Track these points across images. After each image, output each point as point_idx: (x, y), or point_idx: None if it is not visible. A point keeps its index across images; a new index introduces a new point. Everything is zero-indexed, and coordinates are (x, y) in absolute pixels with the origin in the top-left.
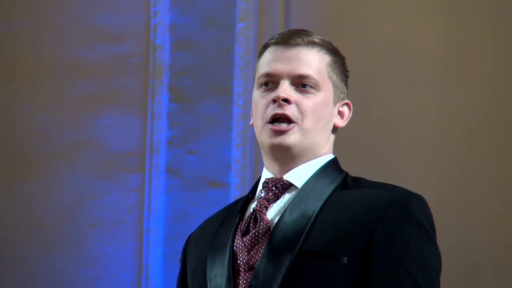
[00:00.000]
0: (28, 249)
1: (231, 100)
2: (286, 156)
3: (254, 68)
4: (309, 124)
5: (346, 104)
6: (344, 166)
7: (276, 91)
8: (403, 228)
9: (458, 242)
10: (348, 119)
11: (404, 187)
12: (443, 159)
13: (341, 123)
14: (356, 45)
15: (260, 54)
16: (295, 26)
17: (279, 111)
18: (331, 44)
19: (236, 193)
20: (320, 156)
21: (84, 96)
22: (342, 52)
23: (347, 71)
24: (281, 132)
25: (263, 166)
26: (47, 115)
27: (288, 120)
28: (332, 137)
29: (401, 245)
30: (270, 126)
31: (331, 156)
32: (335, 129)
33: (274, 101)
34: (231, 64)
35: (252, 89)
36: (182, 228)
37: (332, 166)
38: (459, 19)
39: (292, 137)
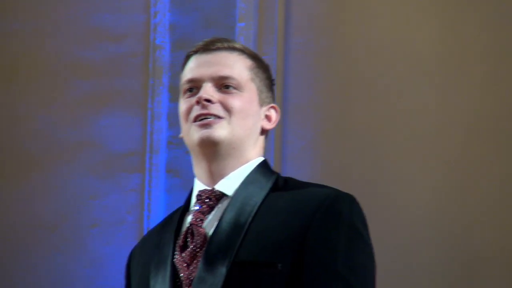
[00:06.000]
0: (28, 249)
1: None
2: (215, 153)
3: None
4: (236, 121)
5: (273, 107)
6: (344, 166)
7: (199, 93)
8: (332, 231)
9: (458, 242)
10: (276, 122)
11: (403, 187)
12: (442, 159)
13: (268, 125)
14: (356, 45)
15: (183, 64)
16: (295, 26)
17: (203, 111)
18: (253, 52)
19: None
20: (248, 161)
21: (84, 96)
22: (338, 52)
23: (273, 79)
24: (209, 125)
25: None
26: (47, 115)
27: (214, 116)
28: (260, 140)
29: (330, 248)
30: (196, 123)
31: (261, 159)
32: (263, 132)
33: (197, 102)
34: None
35: None
36: None
37: (262, 170)
38: (459, 19)
39: (220, 131)
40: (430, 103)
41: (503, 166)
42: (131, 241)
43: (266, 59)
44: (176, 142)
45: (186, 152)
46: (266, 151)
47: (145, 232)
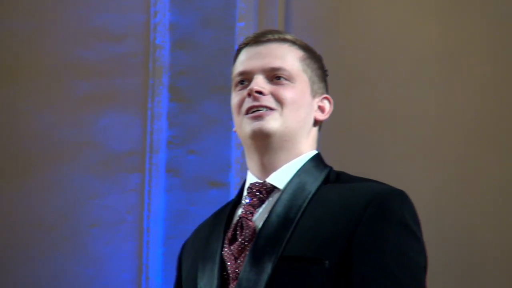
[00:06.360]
0: (28, 249)
1: None
2: (267, 146)
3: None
4: (288, 112)
5: (326, 98)
6: (344, 166)
7: (250, 85)
8: (382, 227)
9: (458, 242)
10: (329, 113)
11: (403, 187)
12: (442, 159)
13: (321, 116)
14: (356, 45)
15: (235, 58)
16: (295, 26)
17: (255, 103)
18: (304, 43)
19: (236, 193)
20: (301, 154)
21: (84, 96)
22: (339, 53)
23: (325, 69)
24: (261, 117)
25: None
26: (47, 115)
27: (266, 108)
28: (313, 131)
29: (381, 245)
30: (248, 115)
31: (314, 152)
32: (316, 123)
33: (249, 95)
34: (231, 64)
35: None
36: (182, 228)
37: (314, 163)
38: (459, 18)
39: (272, 122)
40: (430, 104)
41: (503, 166)
42: (131, 241)
43: None
44: (176, 142)
45: (186, 152)
46: None
47: (145, 232)
